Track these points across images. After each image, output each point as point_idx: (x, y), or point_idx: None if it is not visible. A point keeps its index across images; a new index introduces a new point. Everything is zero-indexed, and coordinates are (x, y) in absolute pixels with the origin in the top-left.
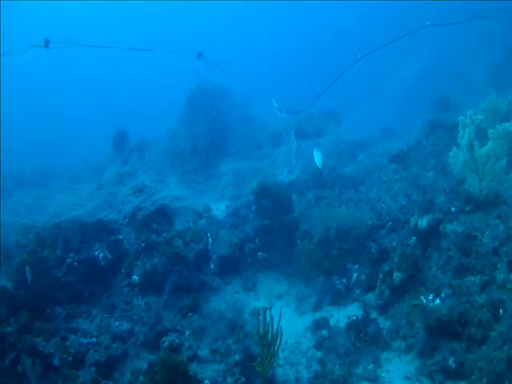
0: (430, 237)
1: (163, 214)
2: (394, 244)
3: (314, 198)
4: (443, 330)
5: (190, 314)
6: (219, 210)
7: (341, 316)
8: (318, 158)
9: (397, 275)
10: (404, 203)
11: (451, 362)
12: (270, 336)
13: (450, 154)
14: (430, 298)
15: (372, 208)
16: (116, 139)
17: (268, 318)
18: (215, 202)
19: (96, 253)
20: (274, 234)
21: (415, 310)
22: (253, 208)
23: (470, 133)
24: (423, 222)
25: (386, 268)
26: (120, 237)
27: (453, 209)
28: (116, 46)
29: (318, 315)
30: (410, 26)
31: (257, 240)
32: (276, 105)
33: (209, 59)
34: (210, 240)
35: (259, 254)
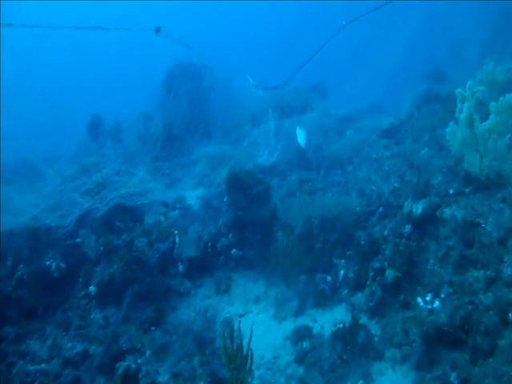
0: (426, 224)
1: (128, 210)
2: (385, 233)
3: (297, 182)
4: (443, 338)
5: (152, 329)
6: (194, 198)
7: (326, 321)
8: (301, 137)
9: (389, 273)
10: (396, 185)
11: (453, 377)
12: (240, 357)
13: (448, 130)
14: (428, 298)
15: (361, 192)
16: (90, 125)
17: (240, 331)
18: (191, 190)
19: (48, 263)
20: (249, 228)
21: (411, 314)
22: (225, 199)
23: (469, 107)
24: (418, 208)
25: (377, 264)
26: (78, 240)
27: (451, 190)
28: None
29: (300, 321)
30: None
31: (230, 236)
32: (252, 81)
33: (171, 34)
34: (177, 239)
35: (233, 251)
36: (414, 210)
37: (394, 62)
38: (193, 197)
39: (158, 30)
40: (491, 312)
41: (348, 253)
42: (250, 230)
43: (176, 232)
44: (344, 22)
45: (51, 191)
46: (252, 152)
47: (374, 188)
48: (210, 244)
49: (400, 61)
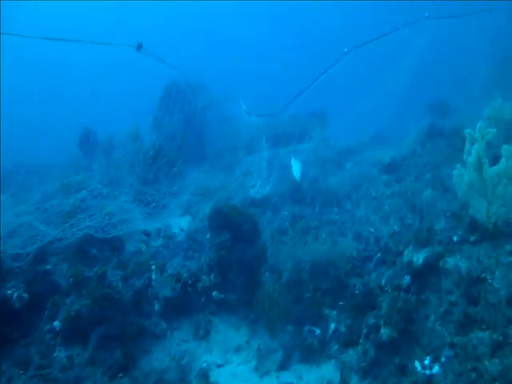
0: (427, 275)
1: (105, 240)
2: (382, 283)
3: (289, 217)
4: None
5: (120, 375)
6: (179, 228)
7: (312, 378)
8: (296, 169)
9: (385, 331)
10: (396, 228)
11: None
12: None
13: (454, 172)
14: (427, 362)
15: (358, 234)
16: (81, 138)
17: None
18: (177, 218)
19: (9, 292)
20: (233, 270)
21: (407, 381)
22: (208, 236)
23: (479, 150)
24: (420, 258)
25: (372, 320)
26: (48, 267)
27: (455, 238)
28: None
29: (284, 377)
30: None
31: (212, 276)
32: (244, 106)
33: (153, 52)
34: (154, 275)
35: (214, 293)
36: (415, 259)
37: (399, 90)
38: (178, 226)
39: (139, 46)
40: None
41: (341, 303)
42: (235, 272)
43: (153, 267)
44: (346, 49)
45: (26, 209)
46: (244, 182)
47: (373, 230)
48: (190, 283)
49: (405, 88)
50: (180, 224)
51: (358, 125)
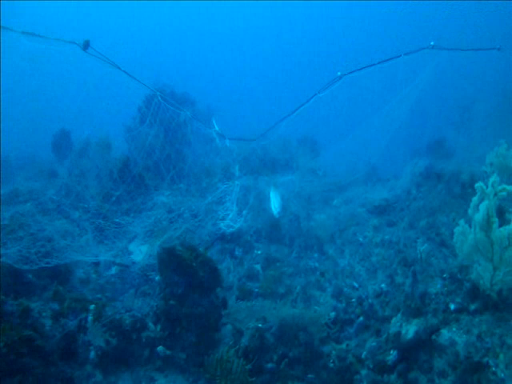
0: (417, 351)
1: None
2: (363, 355)
3: (262, 259)
4: None
5: None
6: (140, 255)
7: None
8: (274, 204)
9: None
10: (384, 287)
11: None
12: None
13: (456, 230)
14: None
15: (339, 290)
16: (56, 141)
17: None
18: (139, 244)
19: None
20: (183, 325)
21: None
22: (156, 278)
23: (489, 207)
24: (409, 331)
25: None
26: None
27: (452, 306)
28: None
29: None
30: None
31: (158, 328)
32: (217, 127)
33: (100, 52)
34: (90, 317)
35: (159, 348)
36: (404, 331)
37: (397, 121)
38: (137, 253)
39: (86, 45)
40: None
41: (310, 376)
42: (185, 327)
43: (92, 307)
44: (339, 73)
45: None
46: (216, 211)
47: (356, 285)
48: (132, 331)
49: (404, 120)
50: (140, 250)
51: (350, 156)
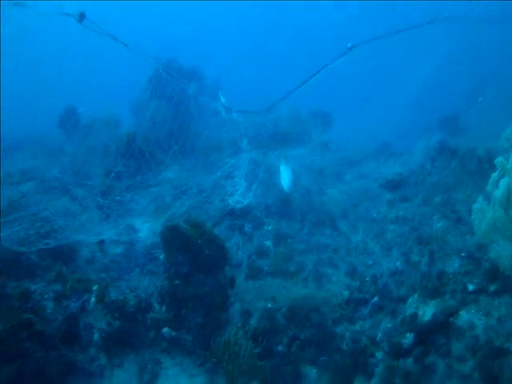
0: (434, 334)
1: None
2: (378, 337)
3: (272, 235)
4: None
5: None
6: (145, 231)
7: None
8: (285, 178)
9: None
10: (399, 265)
11: None
12: None
13: (474, 206)
14: None
15: (352, 268)
16: (63, 118)
17: None
18: (144, 221)
19: None
20: (189, 305)
21: None
22: (161, 257)
23: (510, 184)
24: (427, 313)
25: None
26: None
27: (470, 286)
28: None
29: None
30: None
31: (163, 309)
32: (223, 100)
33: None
34: (93, 298)
35: (164, 330)
36: (421, 313)
37: (411, 96)
38: (143, 231)
39: (81, 17)
40: None
41: (322, 358)
42: (191, 308)
43: (95, 288)
44: (350, 44)
45: None
46: (224, 186)
47: (370, 262)
48: (137, 312)
49: (417, 95)
50: (146, 228)
51: (363, 130)
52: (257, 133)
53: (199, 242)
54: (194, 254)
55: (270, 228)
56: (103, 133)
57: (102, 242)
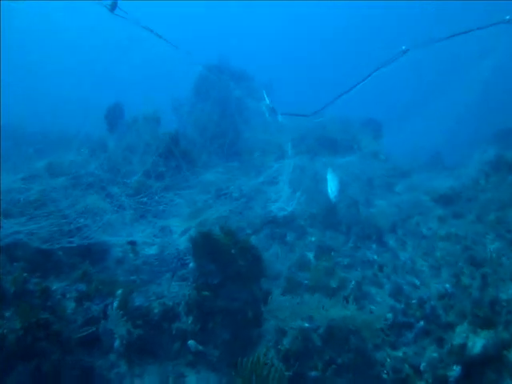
0: (484, 368)
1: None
2: (421, 366)
3: (315, 247)
4: None
5: None
6: (181, 235)
7: None
8: (332, 187)
9: None
10: (449, 287)
11: None
12: None
13: None
14: None
15: (398, 288)
16: (109, 113)
17: None
18: (182, 223)
19: None
20: (217, 320)
21: None
22: (190, 265)
23: None
24: (477, 344)
25: None
26: None
27: None
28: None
29: None
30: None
31: (189, 320)
32: (268, 101)
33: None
34: (116, 302)
35: (190, 342)
36: (470, 344)
37: (465, 106)
38: (179, 232)
39: (114, 6)
40: None
41: None
42: (219, 323)
43: (119, 292)
44: (404, 47)
45: None
46: (266, 192)
47: (418, 283)
48: (162, 321)
49: (472, 105)
50: (181, 230)
51: (414, 140)
52: (304, 137)
53: (233, 251)
54: (226, 263)
55: (313, 239)
56: (144, 130)
57: (133, 242)
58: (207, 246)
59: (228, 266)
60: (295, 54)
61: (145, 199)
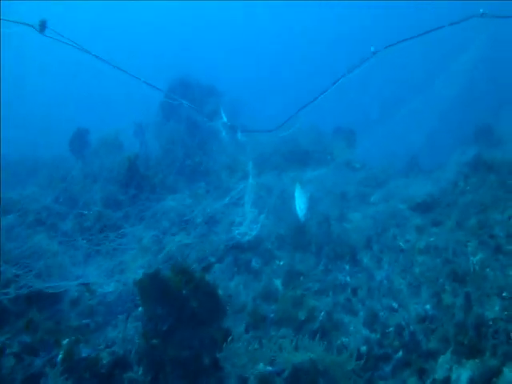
0: None
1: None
2: None
3: (283, 272)
4: None
5: None
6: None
7: None
8: (300, 205)
9: None
10: (429, 308)
11: None
12: None
13: None
14: None
15: (373, 314)
16: (74, 139)
17: None
18: (139, 257)
19: None
20: (168, 370)
21: None
22: (139, 309)
23: None
24: (462, 377)
25: None
26: None
27: None
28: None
29: None
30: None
31: (140, 371)
32: (225, 118)
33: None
34: (61, 355)
35: None
36: (455, 377)
37: (441, 106)
38: (134, 269)
39: (42, 26)
40: None
41: None
42: (170, 374)
43: (65, 342)
44: (373, 48)
45: None
46: (231, 215)
47: (395, 306)
48: (112, 372)
49: (448, 105)
50: (137, 266)
51: (389, 145)
52: (274, 151)
53: (184, 291)
54: (177, 306)
55: (281, 263)
56: (106, 156)
57: (86, 284)
58: (155, 289)
59: (179, 309)
60: (282, 66)
61: (103, 232)
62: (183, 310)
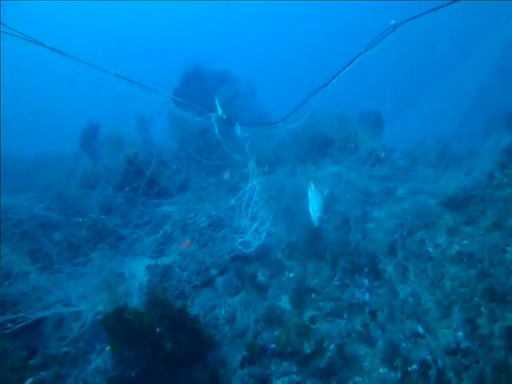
0: None
1: None
2: None
3: (292, 286)
4: None
5: None
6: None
7: None
8: (314, 206)
9: None
10: (461, 336)
11: None
12: None
13: None
14: None
15: (393, 345)
16: (84, 135)
17: None
18: (140, 265)
19: None
20: None
21: None
22: (107, 348)
23: None
24: None
25: None
26: None
27: None
28: None
29: None
30: None
31: None
32: (221, 111)
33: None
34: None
35: None
36: None
37: (473, 89)
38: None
39: None
40: None
41: None
42: None
43: (29, 381)
44: (393, 22)
45: None
46: (238, 218)
47: (422, 331)
48: None
49: (481, 87)
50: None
51: (418, 131)
52: (286, 143)
53: (158, 330)
54: (150, 346)
55: (291, 275)
56: (107, 156)
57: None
58: (121, 328)
59: (154, 350)
60: (295, 54)
61: (100, 241)
62: (156, 353)
